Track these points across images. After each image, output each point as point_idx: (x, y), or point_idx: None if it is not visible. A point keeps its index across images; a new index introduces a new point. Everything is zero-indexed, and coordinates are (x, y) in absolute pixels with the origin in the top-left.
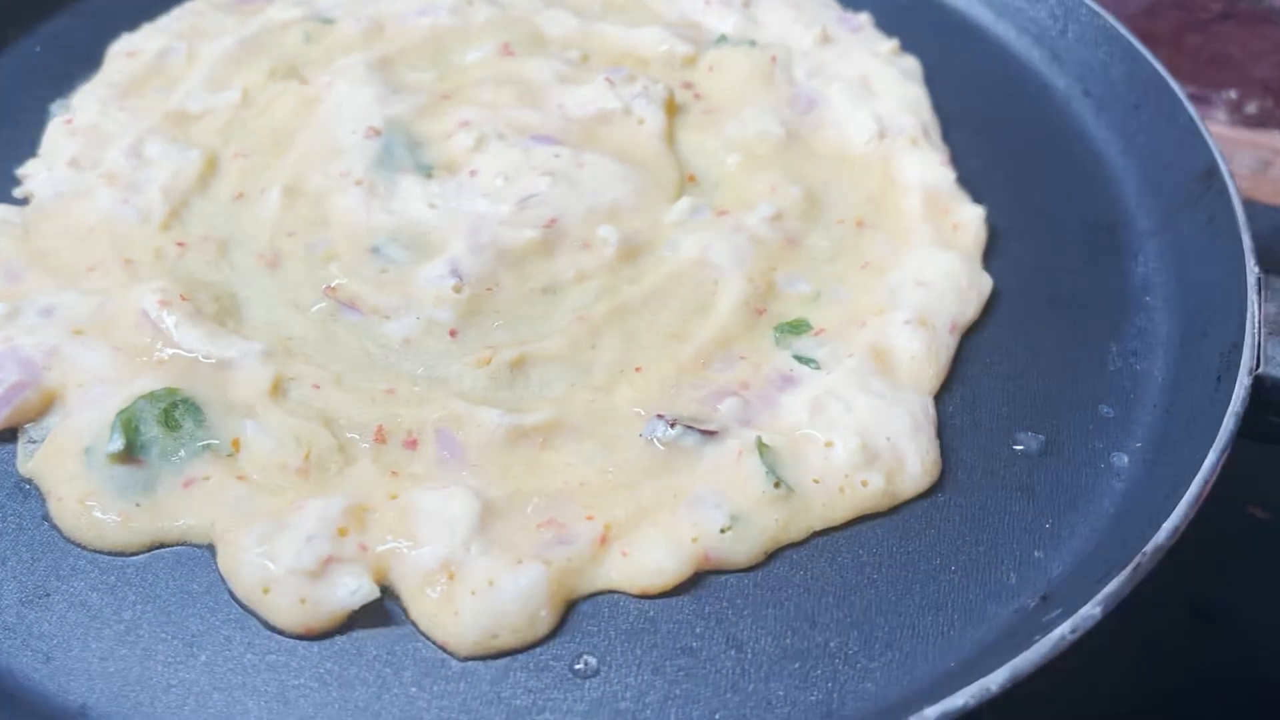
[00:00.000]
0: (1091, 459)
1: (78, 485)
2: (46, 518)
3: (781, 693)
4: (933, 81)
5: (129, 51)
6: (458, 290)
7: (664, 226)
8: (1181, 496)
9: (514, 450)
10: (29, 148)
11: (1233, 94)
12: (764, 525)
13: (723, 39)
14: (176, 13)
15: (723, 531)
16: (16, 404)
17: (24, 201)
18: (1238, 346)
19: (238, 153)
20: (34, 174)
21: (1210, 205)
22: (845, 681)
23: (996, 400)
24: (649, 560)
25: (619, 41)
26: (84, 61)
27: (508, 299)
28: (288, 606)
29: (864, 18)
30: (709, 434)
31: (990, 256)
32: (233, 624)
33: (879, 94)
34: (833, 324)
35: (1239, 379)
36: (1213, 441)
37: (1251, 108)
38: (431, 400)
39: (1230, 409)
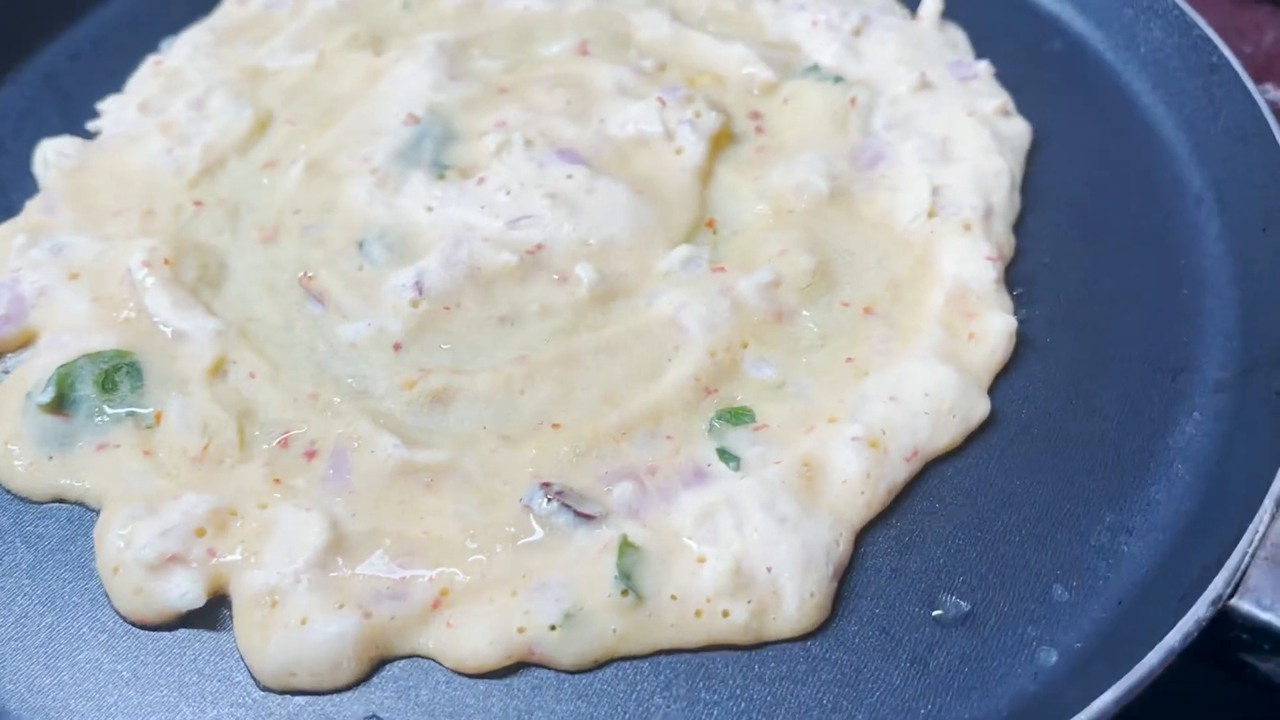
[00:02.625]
0: (1015, 646)
1: (9, 425)
2: None
3: None
4: (1046, 149)
5: None
6: (414, 305)
7: (652, 273)
8: None
9: (397, 484)
10: (120, 82)
11: None
12: (599, 631)
13: (814, 68)
14: None
15: (551, 629)
16: (1, 335)
17: (93, 135)
18: (1214, 567)
19: (290, 117)
20: (109, 110)
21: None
22: None
23: (934, 549)
24: (471, 638)
25: (702, 55)
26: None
27: (462, 322)
28: (125, 593)
29: (983, 65)
30: (585, 517)
31: (1006, 374)
32: (87, 594)
33: (955, 160)
34: (778, 422)
35: (1194, 608)
36: (1121, 675)
37: None
38: (345, 414)
39: (1164, 642)
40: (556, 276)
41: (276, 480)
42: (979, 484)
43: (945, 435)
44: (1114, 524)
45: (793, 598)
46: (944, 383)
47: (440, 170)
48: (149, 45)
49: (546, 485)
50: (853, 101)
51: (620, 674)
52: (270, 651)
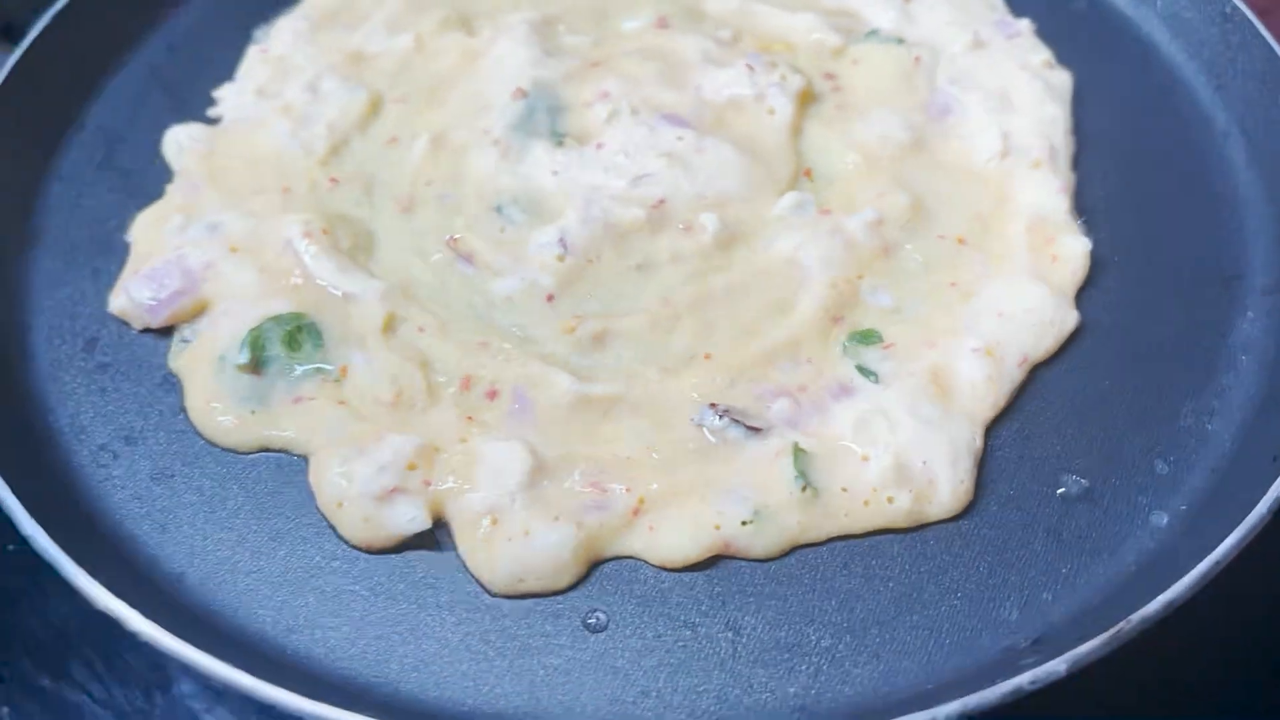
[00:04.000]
0: (1131, 513)
1: (208, 387)
2: (182, 410)
3: (764, 679)
4: (1085, 97)
5: None
6: (561, 259)
7: (766, 219)
8: (1187, 571)
9: (576, 416)
10: (228, 70)
11: None
12: (784, 525)
13: (874, 33)
14: None
15: (744, 524)
16: (176, 307)
17: (214, 121)
18: None
19: (398, 97)
20: (227, 97)
21: None
22: (825, 681)
23: (1051, 439)
24: (672, 538)
25: (773, 24)
26: None
27: (605, 273)
28: (355, 522)
29: (1024, 24)
30: (754, 430)
31: (1086, 289)
32: (311, 529)
33: (1016, 109)
34: (904, 340)
35: None
36: (1239, 522)
37: None
38: (516, 358)
39: (1268, 494)
40: (681, 226)
41: (469, 418)
42: (1077, 383)
43: (1045, 343)
44: (1195, 408)
45: (946, 485)
46: (1039, 298)
47: (558, 138)
48: (241, 34)
49: (714, 405)
50: (917, 60)
51: (803, 559)
52: (499, 562)
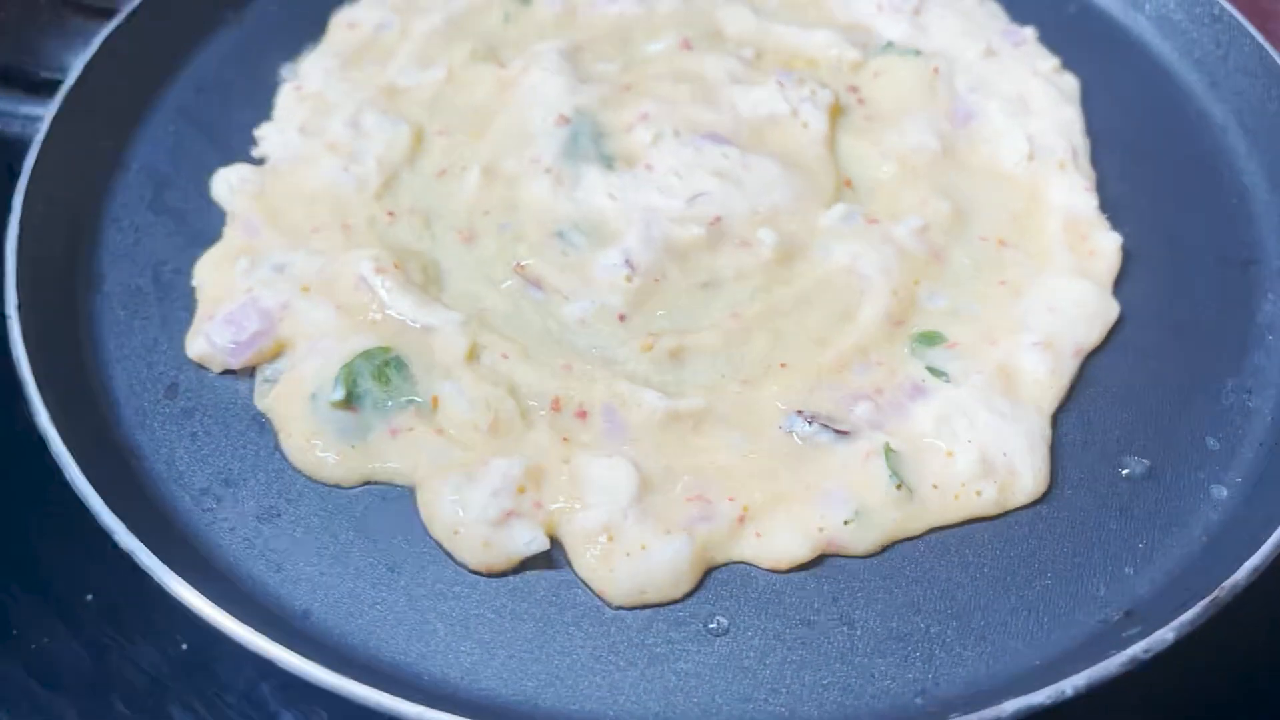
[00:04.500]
0: (1192, 488)
1: (304, 425)
2: (278, 448)
3: (883, 668)
4: (1089, 99)
5: (350, 23)
6: (629, 280)
7: (818, 231)
8: (1268, 538)
9: (669, 431)
10: (264, 109)
11: None
12: (883, 522)
13: (889, 46)
14: None
15: (846, 524)
16: (256, 349)
17: (260, 161)
18: None
19: (441, 130)
20: (269, 136)
21: None
22: (940, 665)
23: (1109, 423)
24: (779, 542)
25: (791, 42)
26: (311, 26)
27: (672, 291)
28: (473, 548)
29: (1029, 32)
30: (842, 433)
31: (1121, 281)
32: (426, 556)
33: (1035, 113)
34: (966, 339)
35: None
36: None
37: None
38: (600, 379)
39: None
40: (739, 242)
41: (565, 439)
42: (1124, 370)
43: (1094, 333)
44: (1235, 386)
45: (1026, 474)
46: (1085, 292)
47: (608, 163)
48: (265, 73)
49: (800, 412)
50: (935, 71)
51: (902, 551)
52: (620, 577)
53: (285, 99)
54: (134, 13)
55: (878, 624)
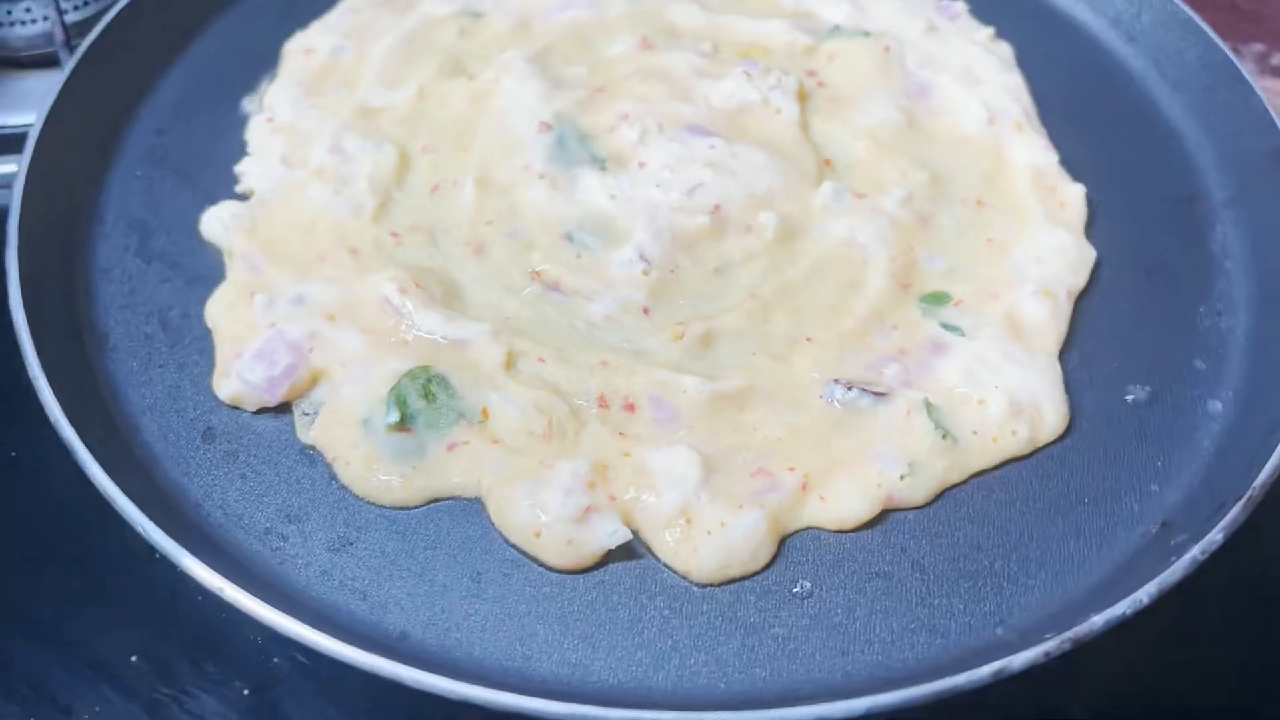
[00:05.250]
0: (1191, 406)
1: (362, 452)
2: (334, 478)
3: (960, 605)
4: (1022, 66)
5: (305, 49)
6: (646, 274)
7: (813, 209)
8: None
9: (717, 412)
10: (230, 144)
11: (1260, 47)
12: (934, 471)
13: (836, 29)
14: (340, 10)
15: (902, 478)
16: (292, 381)
17: (245, 196)
18: None
19: (425, 147)
20: (250, 171)
21: None
22: (1010, 595)
23: (1106, 358)
24: (843, 504)
25: (744, 33)
26: (259, 58)
27: (688, 280)
28: (557, 547)
29: (960, 5)
30: (880, 395)
31: (1090, 229)
32: (508, 563)
33: (983, 81)
34: (969, 296)
35: None
36: None
37: (1277, 59)
38: (639, 370)
39: None
40: (742, 227)
41: (620, 433)
42: (1111, 306)
43: (1080, 277)
44: (1207, 309)
45: (1050, 412)
46: (1064, 240)
47: (601, 164)
48: (227, 107)
49: (837, 380)
50: (886, 49)
51: (953, 498)
52: (703, 556)
53: (258, 132)
54: (79, 65)
55: (946, 566)
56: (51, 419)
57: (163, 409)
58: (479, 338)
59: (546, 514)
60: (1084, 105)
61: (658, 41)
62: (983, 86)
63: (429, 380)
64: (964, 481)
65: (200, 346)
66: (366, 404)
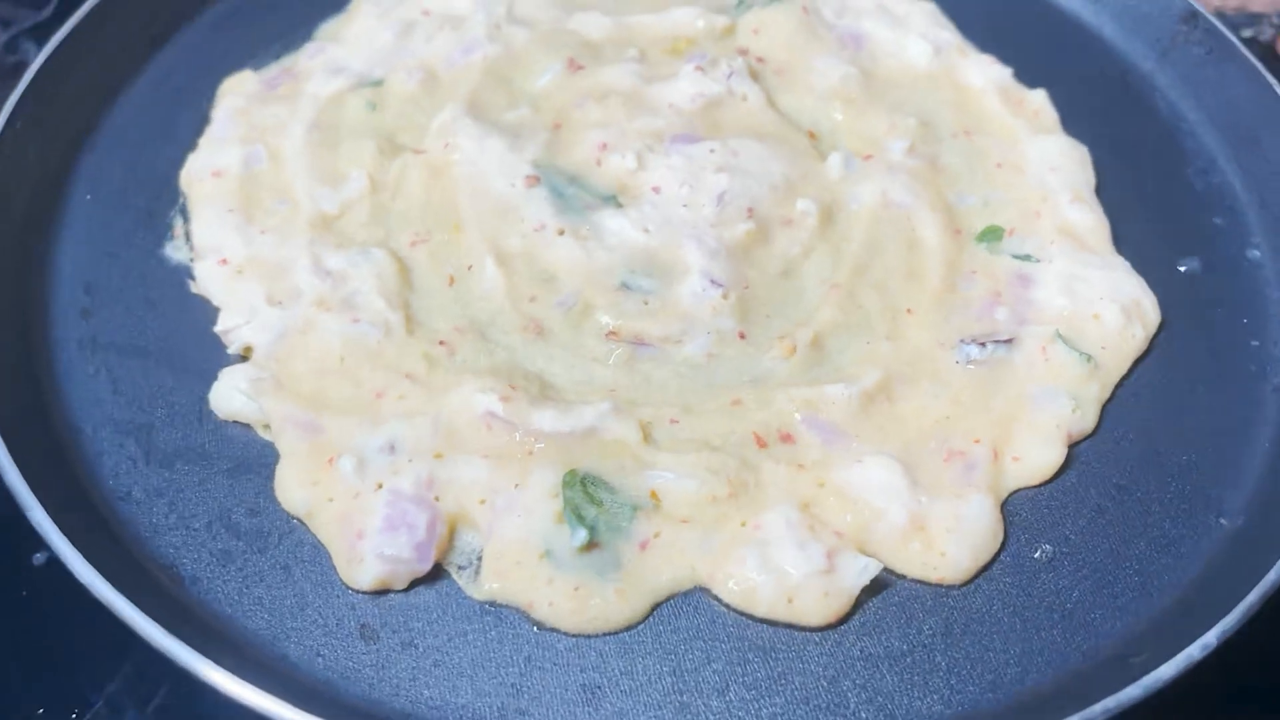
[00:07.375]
0: (1234, 263)
1: (561, 586)
2: (536, 625)
3: (1184, 509)
4: None
5: (212, 171)
6: (725, 297)
7: (833, 184)
8: None
9: (872, 412)
10: (182, 300)
11: None
12: (1092, 394)
13: (743, 2)
14: (220, 118)
15: (1074, 410)
16: (438, 538)
17: (243, 358)
18: None
19: (413, 241)
20: (238, 328)
21: (1203, 42)
22: (1216, 483)
23: (1146, 236)
24: (1037, 456)
25: (658, 29)
26: (152, 195)
27: (763, 291)
28: (818, 604)
29: None
30: (1006, 341)
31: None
32: (771, 639)
33: (904, 18)
34: (1016, 221)
35: None
36: None
37: None
38: (773, 398)
39: None
40: (782, 222)
41: (799, 466)
42: (1121, 190)
43: (1090, 171)
44: (1195, 169)
45: (1148, 304)
46: (1059, 144)
47: (613, 201)
48: (144, 260)
49: (964, 340)
50: (804, 9)
51: (1109, 417)
52: (954, 556)
53: (220, 283)
54: None
55: (1153, 483)
56: (232, 696)
57: (299, 628)
58: (604, 419)
59: (792, 575)
60: (991, 18)
61: (585, 60)
62: (909, 23)
63: (583, 483)
64: (1110, 398)
65: (294, 541)
66: (540, 533)
